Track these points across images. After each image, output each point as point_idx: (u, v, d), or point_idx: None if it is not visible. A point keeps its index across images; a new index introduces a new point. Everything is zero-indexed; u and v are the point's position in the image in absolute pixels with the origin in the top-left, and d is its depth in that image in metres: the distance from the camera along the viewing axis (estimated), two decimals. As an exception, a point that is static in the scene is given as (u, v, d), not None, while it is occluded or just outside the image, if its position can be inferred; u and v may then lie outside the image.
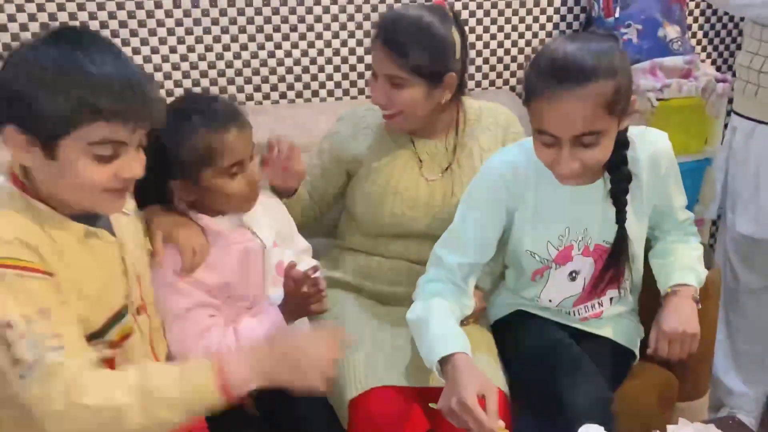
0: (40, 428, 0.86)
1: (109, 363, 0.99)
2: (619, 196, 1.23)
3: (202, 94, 1.17)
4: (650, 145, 1.25)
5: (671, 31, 1.85)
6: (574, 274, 1.32)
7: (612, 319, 1.37)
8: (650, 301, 1.38)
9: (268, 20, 1.77)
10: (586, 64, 1.07)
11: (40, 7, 1.62)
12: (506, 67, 2.01)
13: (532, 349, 1.30)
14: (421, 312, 1.21)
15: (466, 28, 1.91)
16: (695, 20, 2.16)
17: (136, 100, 0.90)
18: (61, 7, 1.63)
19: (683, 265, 1.31)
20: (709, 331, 1.50)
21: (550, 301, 1.35)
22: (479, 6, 1.93)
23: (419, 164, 1.42)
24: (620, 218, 1.25)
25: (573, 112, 1.07)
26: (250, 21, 1.76)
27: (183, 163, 1.14)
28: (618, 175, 1.22)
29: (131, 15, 1.67)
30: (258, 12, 1.76)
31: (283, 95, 1.84)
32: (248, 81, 1.81)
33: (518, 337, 1.36)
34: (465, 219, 1.27)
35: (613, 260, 1.28)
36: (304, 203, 1.46)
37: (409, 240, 1.42)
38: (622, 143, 1.20)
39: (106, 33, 1.65)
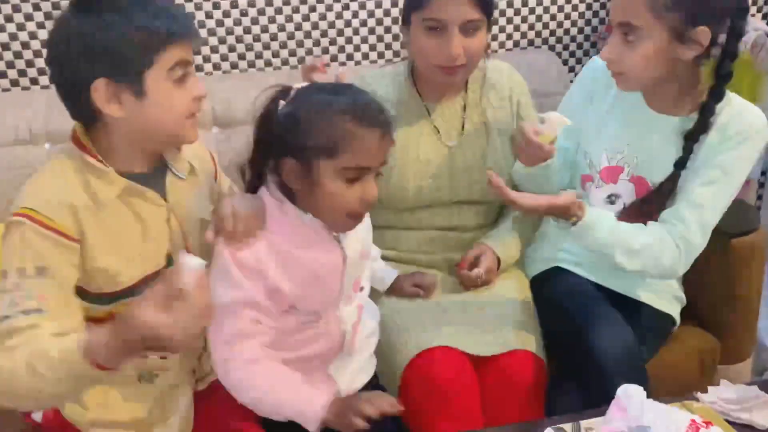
0: None
1: None
2: (694, 140, 1.22)
3: (356, 86, 1.06)
4: (737, 112, 1.22)
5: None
6: (613, 197, 1.31)
7: (650, 284, 1.35)
8: (702, 273, 1.35)
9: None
10: None
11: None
12: (545, 26, 1.96)
13: (567, 302, 1.31)
14: None
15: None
16: (745, -28, 2.07)
17: (189, 21, 1.02)
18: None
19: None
20: (754, 294, 1.47)
21: None
22: (517, -37, 1.88)
23: (437, 132, 1.40)
24: (681, 162, 1.23)
25: None
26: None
27: (306, 143, 0.99)
28: (703, 119, 1.21)
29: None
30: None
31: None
32: (284, 45, 1.81)
33: (554, 290, 1.36)
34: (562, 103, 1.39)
35: (657, 197, 1.26)
36: None
37: (434, 209, 1.41)
38: (715, 93, 1.20)
39: None
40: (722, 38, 1.19)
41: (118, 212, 1.01)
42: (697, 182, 1.22)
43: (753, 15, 2.11)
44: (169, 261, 1.07)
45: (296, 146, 0.99)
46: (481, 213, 1.44)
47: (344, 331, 1.09)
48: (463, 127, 1.41)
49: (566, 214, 1.21)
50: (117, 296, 1.01)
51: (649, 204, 1.26)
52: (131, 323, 0.85)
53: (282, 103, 1.01)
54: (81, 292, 1.00)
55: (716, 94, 1.20)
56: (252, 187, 1.07)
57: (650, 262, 1.23)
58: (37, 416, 1.11)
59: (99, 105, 0.97)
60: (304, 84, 1.06)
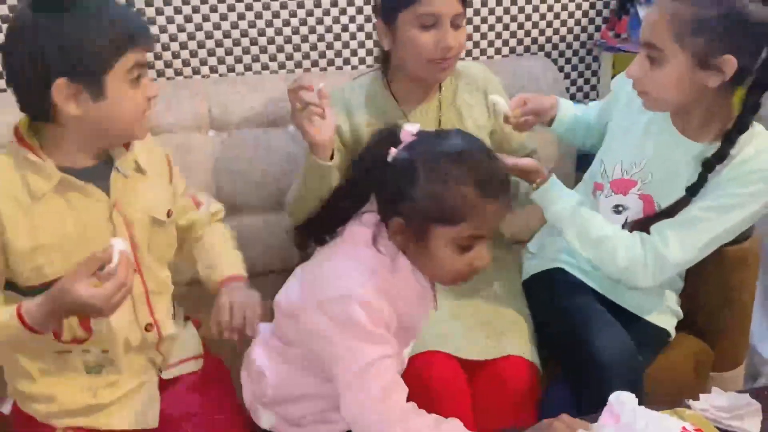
0: None
1: (84, 320, 1.07)
2: (709, 168, 1.19)
3: (475, 143, 1.00)
4: (759, 156, 1.18)
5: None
6: (620, 208, 1.31)
7: (647, 297, 1.35)
8: (696, 282, 1.36)
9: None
10: None
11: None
12: (542, 33, 1.97)
13: (567, 301, 1.31)
14: None
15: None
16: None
17: (146, 25, 1.07)
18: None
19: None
20: (748, 301, 1.48)
21: None
22: (514, -31, 1.89)
23: None
24: (693, 188, 1.21)
25: (650, 18, 1.16)
26: None
27: (422, 207, 0.94)
28: (722, 149, 1.18)
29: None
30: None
31: (315, 63, 1.84)
32: (280, 49, 1.81)
33: (555, 289, 1.36)
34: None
35: (662, 218, 1.25)
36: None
37: None
38: (739, 123, 1.17)
39: None
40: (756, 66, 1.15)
41: (53, 206, 1.04)
42: (697, 204, 1.21)
43: None
44: None
45: (409, 207, 0.95)
46: None
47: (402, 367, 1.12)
48: (439, 126, 1.42)
49: (528, 178, 1.28)
50: (47, 288, 1.01)
51: (651, 222, 1.25)
52: (65, 293, 0.95)
53: (393, 151, 0.97)
54: (12, 286, 1.05)
55: (740, 125, 1.17)
56: (324, 233, 1.05)
57: (604, 255, 1.23)
58: (6, 408, 1.16)
59: (58, 103, 0.99)
60: (412, 126, 1.00)
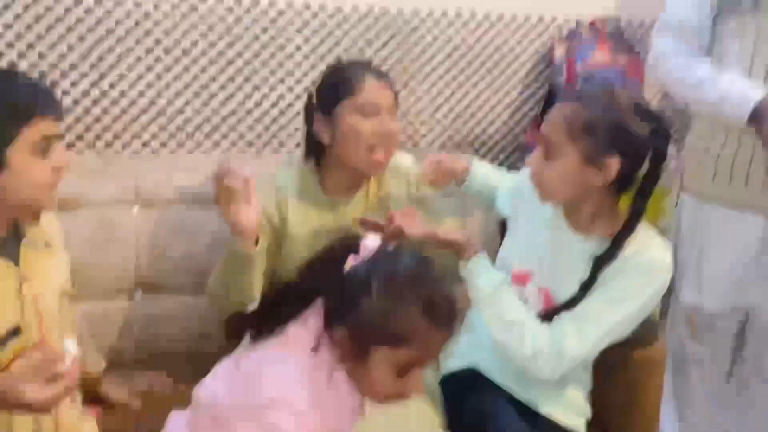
0: None
1: None
2: (601, 265, 1.26)
3: (434, 266, 1.00)
4: (642, 249, 1.26)
5: (629, 106, 1.92)
6: (521, 300, 1.34)
7: (556, 397, 1.38)
8: (604, 383, 1.39)
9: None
10: (584, 91, 1.29)
11: None
12: (471, 130, 2.07)
13: (476, 404, 1.31)
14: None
15: (435, 93, 1.98)
16: (653, 96, 2.26)
17: (53, 96, 1.06)
18: None
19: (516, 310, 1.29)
20: (654, 403, 1.53)
21: None
22: (447, 71, 1.99)
23: (341, 225, 1.41)
24: (586, 285, 1.27)
25: (549, 116, 1.26)
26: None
27: (369, 323, 0.94)
28: (611, 250, 1.25)
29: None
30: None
31: (250, 144, 1.86)
32: (216, 128, 1.82)
33: (466, 391, 1.37)
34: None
35: (562, 312, 1.29)
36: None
37: None
38: (627, 225, 1.25)
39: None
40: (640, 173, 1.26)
41: None
42: (590, 298, 1.27)
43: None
44: (15, 332, 1.03)
45: (357, 320, 0.94)
46: None
47: None
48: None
49: (458, 253, 1.29)
50: None
51: (551, 318, 1.29)
52: (11, 392, 0.91)
53: (351, 261, 0.97)
54: None
55: (628, 229, 1.25)
56: (263, 331, 1.01)
57: (514, 340, 1.25)
58: None
59: None
60: (373, 240, 1.00)
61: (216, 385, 1.03)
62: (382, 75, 1.40)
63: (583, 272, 1.27)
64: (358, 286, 0.95)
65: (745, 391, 1.82)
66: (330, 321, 0.98)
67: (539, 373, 1.27)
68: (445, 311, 0.95)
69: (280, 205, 1.41)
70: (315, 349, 0.96)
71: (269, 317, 1.01)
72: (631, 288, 1.25)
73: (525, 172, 1.46)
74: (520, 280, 1.35)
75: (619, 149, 1.21)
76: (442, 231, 1.30)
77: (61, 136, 1.06)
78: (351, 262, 0.97)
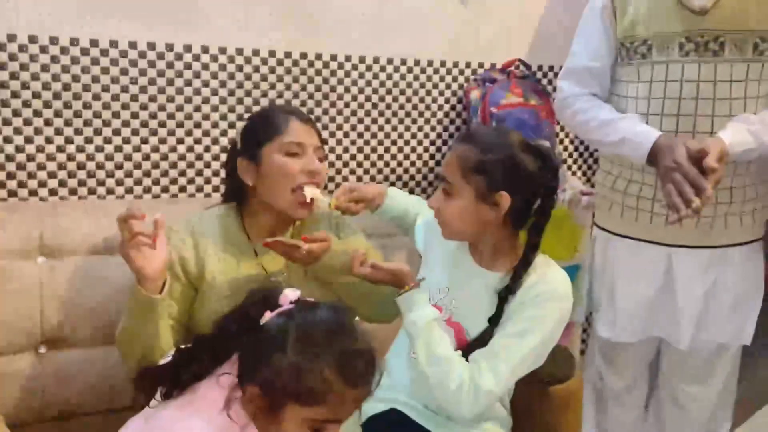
0: None
1: None
2: (504, 300, 1.30)
3: (349, 322, 1.00)
4: (543, 276, 1.31)
5: (542, 146, 1.99)
6: None
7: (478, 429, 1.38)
8: (523, 420, 1.39)
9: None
10: (474, 132, 1.37)
11: None
12: (392, 171, 2.09)
13: None
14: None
15: (355, 136, 2.00)
16: (566, 135, 2.35)
17: None
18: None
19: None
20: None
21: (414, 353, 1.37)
22: (367, 114, 2.02)
23: (264, 271, 1.40)
24: (494, 318, 1.30)
25: (447, 159, 1.34)
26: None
27: (281, 381, 0.93)
28: (512, 282, 1.30)
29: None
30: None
31: (165, 189, 1.82)
32: (129, 174, 1.78)
33: None
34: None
35: (473, 349, 1.31)
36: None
37: None
38: (523, 259, 1.31)
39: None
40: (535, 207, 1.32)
41: None
42: (498, 333, 1.29)
43: (573, 173, 2.38)
44: None
45: (270, 376, 0.91)
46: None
47: None
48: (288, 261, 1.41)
49: (397, 283, 1.30)
50: None
51: (468, 354, 1.30)
52: None
53: (268, 314, 0.95)
54: None
55: (525, 262, 1.31)
56: (175, 387, 0.97)
57: (441, 375, 1.25)
58: None
59: None
60: (293, 292, 0.99)
61: None
62: (306, 117, 1.41)
63: (489, 306, 1.31)
64: (272, 341, 0.93)
65: (661, 417, 1.87)
66: (243, 376, 0.95)
67: (459, 411, 1.27)
68: (361, 369, 0.95)
69: (198, 248, 1.37)
70: (226, 407, 0.93)
71: (182, 372, 0.98)
72: (533, 320, 1.28)
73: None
74: None
75: (510, 186, 1.27)
76: (384, 264, 1.32)
77: None
78: (267, 315, 0.95)
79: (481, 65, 2.14)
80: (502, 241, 1.35)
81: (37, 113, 1.65)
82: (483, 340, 1.30)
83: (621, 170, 1.70)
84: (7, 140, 1.64)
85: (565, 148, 2.36)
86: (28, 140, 1.66)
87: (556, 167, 1.31)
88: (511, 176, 1.27)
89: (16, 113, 1.64)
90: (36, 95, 1.65)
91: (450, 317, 1.35)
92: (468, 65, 2.13)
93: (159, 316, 1.22)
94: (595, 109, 1.65)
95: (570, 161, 2.37)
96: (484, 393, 1.24)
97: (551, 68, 2.26)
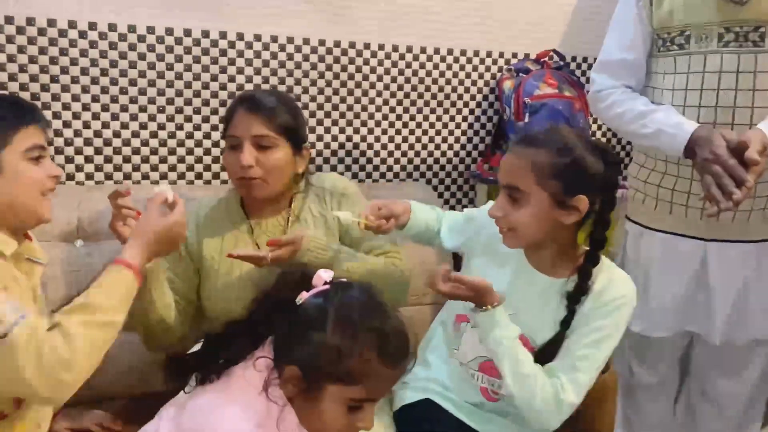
0: None
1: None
2: (575, 302, 1.27)
3: (385, 306, 0.99)
4: (609, 279, 1.29)
5: (575, 138, 1.97)
6: None
7: (513, 424, 1.38)
8: None
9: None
10: (542, 135, 1.29)
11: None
12: (423, 161, 2.09)
13: None
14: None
15: (386, 125, 2.00)
16: (599, 128, 2.33)
17: (36, 108, 1.14)
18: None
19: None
20: (608, 430, 1.54)
21: (461, 364, 1.37)
22: (399, 103, 2.01)
23: (257, 248, 1.41)
24: (566, 322, 1.28)
25: (509, 164, 1.28)
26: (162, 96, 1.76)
27: (322, 362, 0.93)
28: (582, 282, 1.27)
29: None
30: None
31: (199, 176, 1.83)
32: (163, 160, 1.79)
33: (422, 424, 1.35)
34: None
35: (542, 356, 1.29)
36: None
37: None
38: (590, 258, 1.27)
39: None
40: (597, 206, 1.28)
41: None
42: (573, 346, 1.27)
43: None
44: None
45: (309, 356, 0.92)
46: None
47: None
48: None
49: (479, 300, 1.25)
50: None
51: (540, 361, 1.28)
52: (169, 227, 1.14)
53: (304, 295, 0.95)
54: None
55: (592, 259, 1.28)
56: (211, 372, 0.98)
57: (527, 394, 1.24)
58: None
59: None
60: (326, 275, 0.99)
61: (162, 430, 0.99)
62: (250, 106, 1.37)
63: (554, 312, 1.28)
64: (311, 321, 0.93)
65: (692, 412, 1.86)
66: (280, 358, 0.95)
67: (545, 424, 1.27)
68: (398, 349, 0.95)
69: (199, 229, 1.44)
70: (264, 390, 0.94)
71: (218, 359, 0.98)
72: (610, 327, 1.27)
73: (481, 218, 1.43)
74: None
75: (585, 188, 1.23)
76: (467, 278, 1.25)
77: (47, 148, 1.12)
78: (304, 295, 0.95)
79: (514, 55, 2.13)
80: (565, 245, 1.31)
81: (75, 98, 1.67)
82: (555, 345, 1.28)
83: (655, 163, 1.68)
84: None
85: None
86: (66, 125, 1.68)
87: (617, 161, 1.28)
88: (585, 178, 1.23)
89: (54, 98, 1.65)
90: (74, 80, 1.66)
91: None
92: (501, 55, 2.11)
93: (151, 286, 1.24)
94: (630, 101, 1.63)
95: (601, 153, 2.34)
96: (568, 405, 1.24)
97: (585, 59, 2.24)
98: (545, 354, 1.29)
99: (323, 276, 0.98)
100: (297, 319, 0.95)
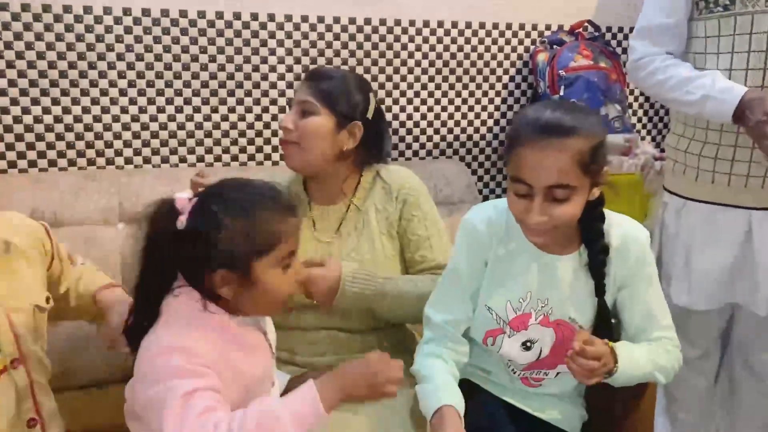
0: None
1: None
2: (598, 268, 1.24)
3: (245, 181, 1.03)
4: (623, 232, 1.27)
5: (612, 110, 1.94)
6: (528, 344, 1.31)
7: (554, 401, 1.37)
8: (599, 390, 1.36)
9: (222, 84, 1.79)
10: (569, 120, 1.15)
11: None
12: (456, 138, 2.07)
13: (470, 417, 1.29)
14: (419, 370, 1.29)
15: (419, 102, 1.99)
16: (636, 99, 2.28)
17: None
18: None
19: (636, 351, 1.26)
20: (648, 409, 1.52)
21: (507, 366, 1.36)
22: (431, 79, 1.99)
23: (312, 227, 1.42)
24: (600, 291, 1.25)
25: (550, 162, 1.12)
26: (205, 84, 1.78)
27: (237, 250, 0.96)
28: (595, 247, 1.24)
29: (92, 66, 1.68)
30: (212, 77, 1.78)
31: (234, 158, 1.85)
32: (200, 143, 1.81)
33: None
34: (447, 276, 1.32)
35: (602, 333, 1.25)
36: None
37: (317, 308, 1.36)
38: (598, 216, 1.25)
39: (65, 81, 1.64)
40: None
41: None
42: (640, 306, 1.28)
43: (643, 139, 2.31)
44: None
45: (227, 257, 0.95)
46: (368, 315, 1.40)
47: None
48: (339, 227, 1.42)
49: (602, 368, 1.19)
50: None
51: (604, 335, 1.25)
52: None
53: (181, 218, 0.96)
54: None
55: (599, 217, 1.25)
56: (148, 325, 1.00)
57: (671, 372, 1.31)
58: None
59: None
60: (186, 194, 1.00)
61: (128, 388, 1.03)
62: (309, 75, 1.40)
63: (586, 283, 1.26)
64: (206, 230, 0.96)
65: (734, 387, 1.83)
66: (196, 277, 0.98)
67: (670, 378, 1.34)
68: (285, 200, 1.02)
69: None
70: (204, 306, 0.98)
71: (145, 312, 1.00)
72: (651, 267, 1.29)
73: (470, 234, 1.31)
74: (520, 324, 1.30)
75: (605, 159, 1.19)
76: (590, 348, 1.16)
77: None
78: (182, 219, 0.97)
79: (548, 27, 2.09)
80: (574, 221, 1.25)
81: (112, 84, 1.70)
82: (605, 316, 1.27)
83: (694, 132, 1.64)
84: (86, 111, 1.69)
85: (634, 113, 2.28)
86: (105, 110, 1.71)
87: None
88: (605, 149, 1.19)
89: (93, 84, 1.68)
90: (111, 66, 1.69)
91: (546, 317, 1.29)
92: (534, 27, 2.08)
93: None
94: (673, 68, 1.59)
95: (639, 126, 2.30)
96: (680, 355, 1.32)
97: (621, 29, 2.19)
98: (607, 327, 1.28)
99: (183, 196, 0.99)
100: (192, 238, 0.96)
